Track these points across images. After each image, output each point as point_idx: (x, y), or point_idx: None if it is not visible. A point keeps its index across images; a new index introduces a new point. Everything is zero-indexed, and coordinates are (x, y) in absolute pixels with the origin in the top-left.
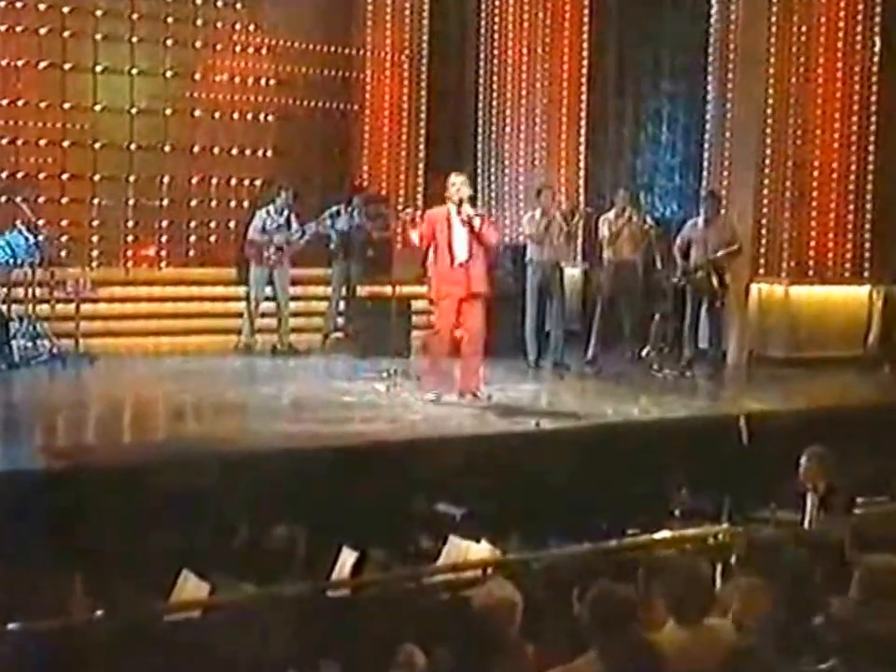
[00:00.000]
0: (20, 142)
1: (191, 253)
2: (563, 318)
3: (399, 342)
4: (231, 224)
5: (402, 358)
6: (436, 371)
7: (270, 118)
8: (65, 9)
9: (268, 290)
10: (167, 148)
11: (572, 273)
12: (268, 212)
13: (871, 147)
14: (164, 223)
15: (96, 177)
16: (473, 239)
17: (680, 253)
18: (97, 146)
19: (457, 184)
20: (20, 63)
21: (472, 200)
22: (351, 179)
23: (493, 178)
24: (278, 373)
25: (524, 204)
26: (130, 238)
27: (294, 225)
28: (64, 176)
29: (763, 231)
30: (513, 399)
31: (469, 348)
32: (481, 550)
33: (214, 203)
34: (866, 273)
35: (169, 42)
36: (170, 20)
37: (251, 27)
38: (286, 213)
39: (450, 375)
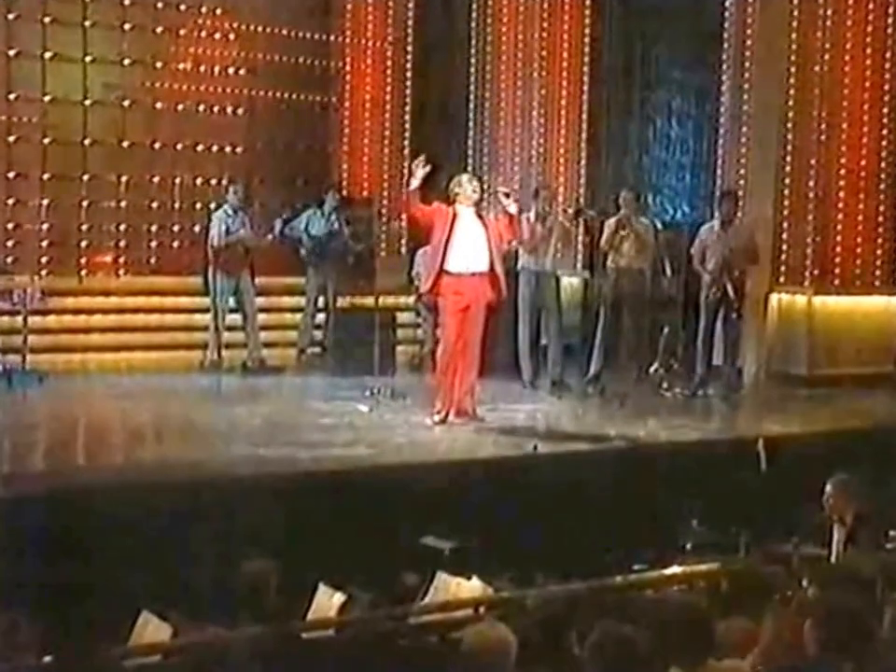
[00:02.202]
0: None
1: (152, 260)
2: (560, 333)
3: (382, 357)
4: (196, 228)
5: (386, 376)
6: (443, 390)
7: (239, 111)
8: None
9: (232, 301)
10: (125, 144)
11: (571, 282)
12: (227, 213)
13: None
14: (122, 227)
15: (45, 176)
16: (490, 244)
17: (699, 262)
18: (46, 141)
19: (474, 183)
20: None
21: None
22: (326, 179)
23: (485, 177)
24: (249, 393)
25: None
26: (83, 243)
27: (247, 226)
28: (10, 174)
29: (784, 236)
30: (508, 422)
31: (467, 364)
32: (471, 587)
33: (177, 205)
34: None
35: (127, 26)
36: (127, 1)
37: (217, 10)
38: (241, 214)
39: (452, 394)
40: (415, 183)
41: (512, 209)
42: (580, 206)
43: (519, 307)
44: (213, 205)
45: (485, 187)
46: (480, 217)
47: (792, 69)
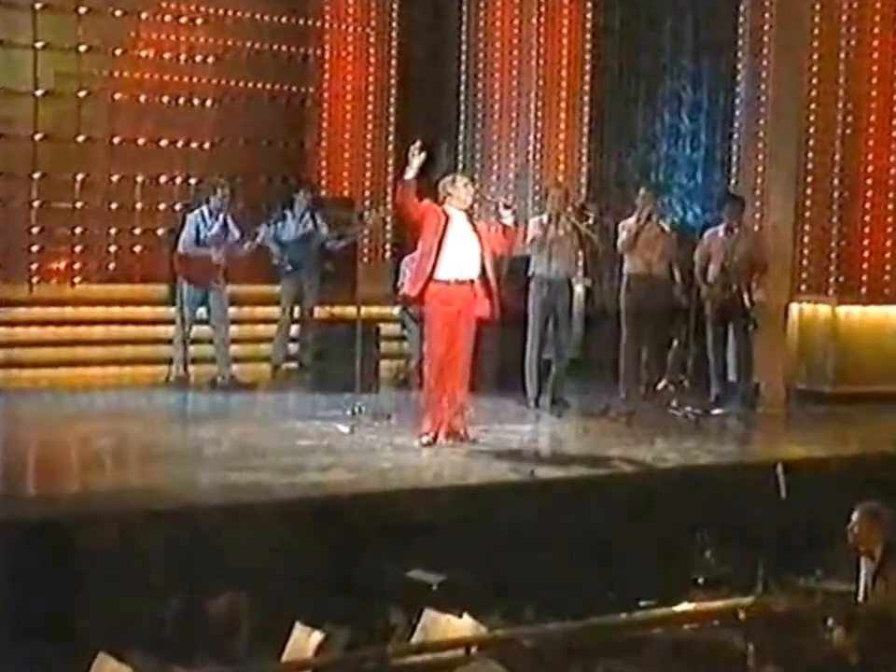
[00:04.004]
0: None
1: (111, 266)
2: (570, 346)
3: (364, 373)
4: (160, 231)
5: (369, 393)
6: (431, 409)
7: (207, 102)
8: None
9: (201, 311)
10: (80, 139)
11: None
12: (202, 215)
13: None
14: (77, 230)
15: None
16: (483, 252)
17: (701, 271)
18: None
19: (469, 186)
20: None
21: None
22: (302, 177)
23: (478, 176)
24: (218, 411)
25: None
26: (35, 248)
27: (234, 231)
28: None
29: (806, 240)
30: (503, 443)
31: (457, 380)
32: (462, 625)
33: (139, 206)
34: None
35: (82, 10)
36: None
37: None
38: (222, 216)
39: (440, 413)
40: (412, 173)
41: (508, 221)
42: (581, 205)
43: (529, 317)
44: (178, 206)
45: (477, 187)
46: (472, 222)
47: (814, 56)
